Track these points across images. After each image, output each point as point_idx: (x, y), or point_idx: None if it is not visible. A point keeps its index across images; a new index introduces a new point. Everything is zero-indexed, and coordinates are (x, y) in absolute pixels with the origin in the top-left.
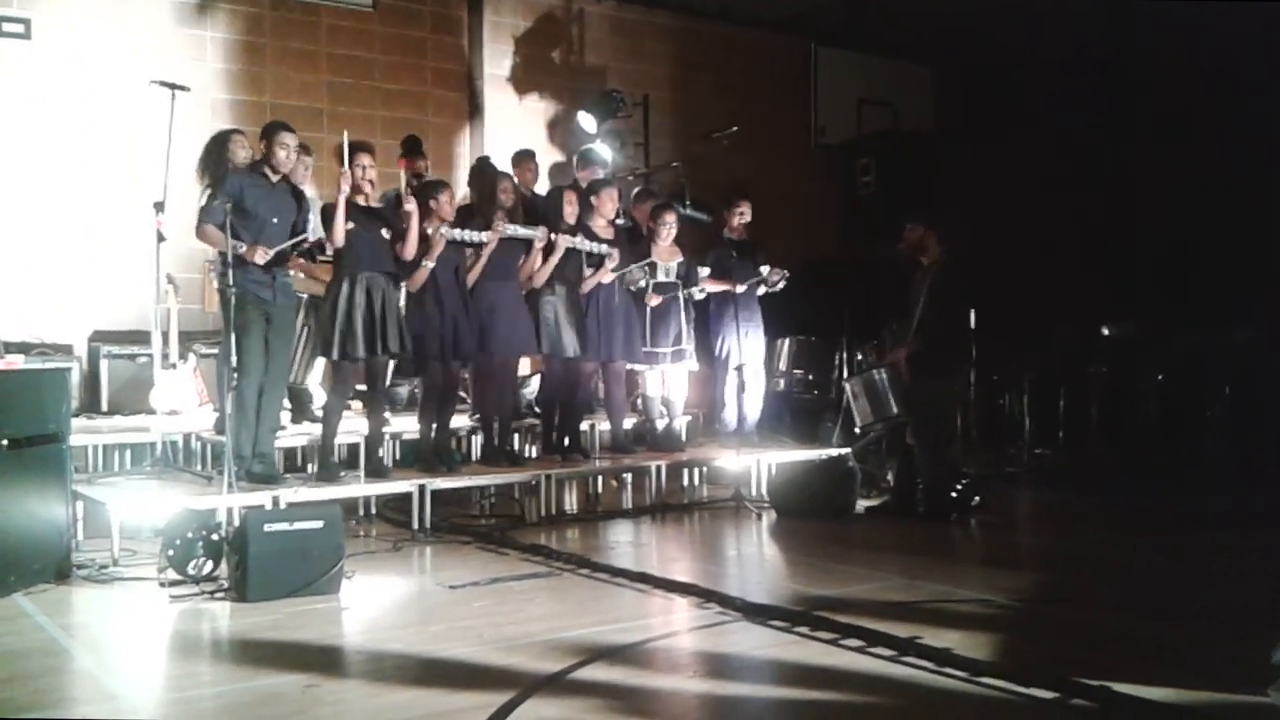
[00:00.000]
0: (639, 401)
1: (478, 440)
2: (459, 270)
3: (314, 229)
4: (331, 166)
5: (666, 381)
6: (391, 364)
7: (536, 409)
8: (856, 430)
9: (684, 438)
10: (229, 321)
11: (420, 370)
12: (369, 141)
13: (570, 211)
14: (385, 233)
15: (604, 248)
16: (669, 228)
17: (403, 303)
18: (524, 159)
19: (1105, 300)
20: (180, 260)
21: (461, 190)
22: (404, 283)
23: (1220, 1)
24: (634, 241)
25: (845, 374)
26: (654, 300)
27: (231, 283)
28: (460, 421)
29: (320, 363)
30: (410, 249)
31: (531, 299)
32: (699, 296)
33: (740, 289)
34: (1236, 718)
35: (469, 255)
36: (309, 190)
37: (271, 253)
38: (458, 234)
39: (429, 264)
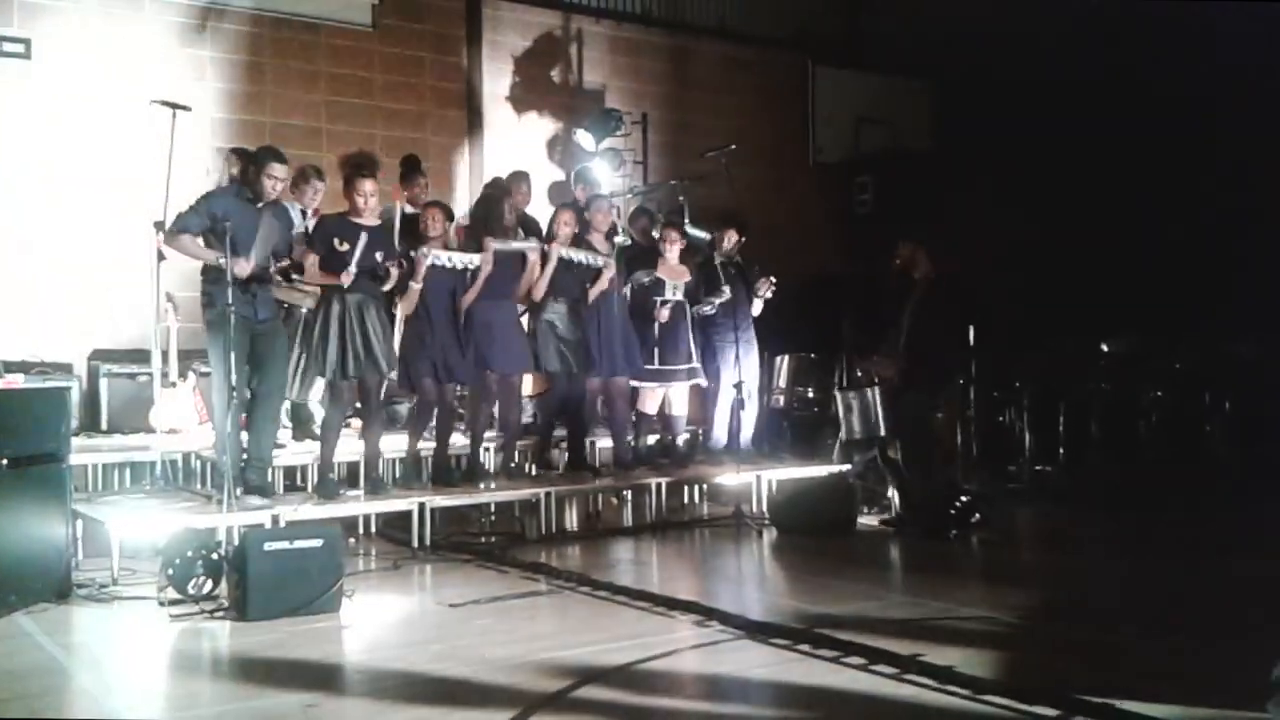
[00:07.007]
0: (635, 418)
1: (492, 458)
2: (454, 293)
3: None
4: (334, 185)
5: (669, 399)
6: (385, 382)
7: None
8: (847, 442)
9: (684, 455)
10: (213, 338)
11: (414, 389)
12: (375, 162)
13: (565, 232)
14: (379, 254)
15: (599, 260)
16: (675, 246)
17: (399, 324)
18: (517, 179)
19: (1105, 315)
20: (180, 279)
21: (461, 210)
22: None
23: (1220, 9)
24: (634, 259)
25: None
26: (663, 315)
27: (213, 300)
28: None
29: (320, 381)
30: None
31: (531, 314)
32: (709, 311)
33: (725, 296)
34: None
35: (467, 277)
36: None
37: (252, 261)
38: (448, 258)
39: (416, 285)
